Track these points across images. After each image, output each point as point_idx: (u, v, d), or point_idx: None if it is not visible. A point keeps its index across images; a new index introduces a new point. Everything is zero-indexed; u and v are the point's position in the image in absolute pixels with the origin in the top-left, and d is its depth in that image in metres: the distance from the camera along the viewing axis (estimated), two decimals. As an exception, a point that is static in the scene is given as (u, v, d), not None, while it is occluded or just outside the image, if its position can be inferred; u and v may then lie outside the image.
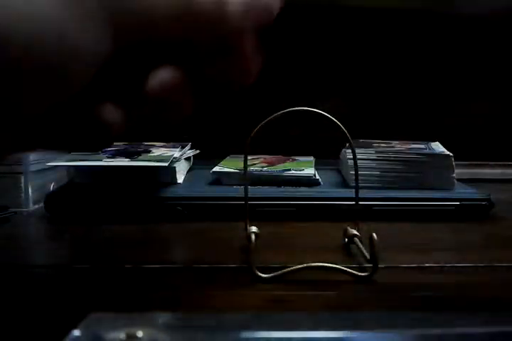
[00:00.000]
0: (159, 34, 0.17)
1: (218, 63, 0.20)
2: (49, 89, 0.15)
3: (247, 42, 0.20)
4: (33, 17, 0.13)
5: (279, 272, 0.24)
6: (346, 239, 0.29)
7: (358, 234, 0.28)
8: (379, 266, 0.24)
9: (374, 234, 0.25)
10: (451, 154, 0.41)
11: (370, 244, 0.25)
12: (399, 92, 0.63)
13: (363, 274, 0.24)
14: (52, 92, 0.15)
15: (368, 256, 0.25)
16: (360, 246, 0.27)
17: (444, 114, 0.64)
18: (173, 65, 0.19)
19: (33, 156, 0.40)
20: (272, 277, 0.24)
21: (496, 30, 0.62)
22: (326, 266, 0.24)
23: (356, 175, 0.29)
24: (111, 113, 0.19)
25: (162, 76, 0.19)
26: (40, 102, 0.15)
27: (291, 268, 0.24)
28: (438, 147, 0.44)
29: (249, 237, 0.25)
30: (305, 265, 0.24)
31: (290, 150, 0.51)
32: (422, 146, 0.45)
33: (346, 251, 0.29)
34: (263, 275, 0.24)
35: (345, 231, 0.29)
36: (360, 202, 0.29)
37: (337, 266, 0.24)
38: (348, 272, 0.24)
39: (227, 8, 0.17)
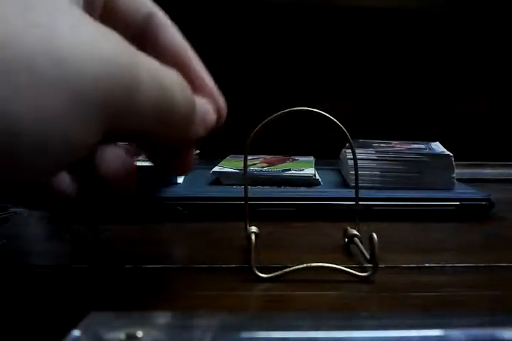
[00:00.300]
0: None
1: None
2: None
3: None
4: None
5: (279, 272, 0.24)
6: (346, 239, 0.29)
7: (358, 234, 0.28)
8: (379, 266, 0.24)
9: (374, 234, 0.25)
10: (451, 154, 0.41)
11: (370, 244, 0.25)
12: (399, 92, 0.63)
13: (363, 274, 0.24)
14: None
15: (368, 256, 0.26)
16: (360, 246, 0.27)
17: (444, 114, 0.64)
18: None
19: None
20: (271, 277, 0.24)
21: (496, 31, 0.62)
22: (326, 266, 0.24)
23: (356, 175, 0.29)
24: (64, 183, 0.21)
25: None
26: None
27: (291, 268, 0.24)
28: (438, 147, 0.44)
29: (249, 237, 0.25)
30: (305, 265, 0.24)
31: (290, 150, 0.51)
32: (422, 146, 0.45)
33: (346, 251, 0.29)
34: (263, 275, 0.24)
35: (345, 231, 0.29)
36: (360, 202, 0.29)
37: (337, 266, 0.24)
38: (348, 272, 0.24)
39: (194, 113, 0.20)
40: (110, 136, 0.17)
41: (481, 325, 0.16)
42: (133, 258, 0.28)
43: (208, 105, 0.22)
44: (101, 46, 0.15)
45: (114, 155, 0.21)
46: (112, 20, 0.21)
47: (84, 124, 0.15)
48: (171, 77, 0.18)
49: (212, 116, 0.22)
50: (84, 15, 0.16)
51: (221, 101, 0.23)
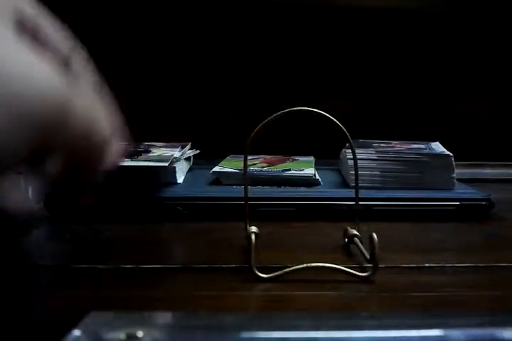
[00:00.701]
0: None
1: None
2: None
3: None
4: None
5: (279, 272, 0.24)
6: (346, 239, 0.29)
7: (358, 234, 0.28)
8: (379, 266, 0.24)
9: (374, 234, 0.25)
10: (451, 154, 0.41)
11: (370, 244, 0.25)
12: (399, 92, 0.63)
13: (363, 274, 0.24)
14: None
15: (368, 256, 0.26)
16: (360, 246, 0.27)
17: (444, 114, 0.64)
18: None
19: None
20: (271, 277, 0.24)
21: (496, 31, 0.62)
22: (326, 266, 0.24)
23: (356, 175, 0.29)
24: None
25: None
26: None
27: (291, 268, 0.24)
28: (438, 147, 0.44)
29: (249, 237, 0.25)
30: (305, 265, 0.24)
31: (290, 150, 0.51)
32: (422, 146, 0.45)
33: (346, 251, 0.29)
34: (263, 275, 0.24)
35: (345, 231, 0.29)
36: (360, 202, 0.29)
37: (337, 266, 0.24)
38: (348, 272, 0.24)
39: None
40: (38, 154, 0.19)
41: (480, 325, 0.16)
42: (133, 258, 0.28)
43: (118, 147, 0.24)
44: (43, 81, 0.18)
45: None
46: None
47: (18, 136, 0.17)
48: (97, 108, 0.21)
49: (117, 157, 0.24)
50: (28, 50, 0.18)
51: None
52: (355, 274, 0.24)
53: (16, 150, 0.17)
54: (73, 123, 0.19)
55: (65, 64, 0.21)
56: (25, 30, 0.20)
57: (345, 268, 0.24)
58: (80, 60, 0.23)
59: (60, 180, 0.23)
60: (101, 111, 0.23)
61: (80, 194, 0.25)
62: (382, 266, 0.25)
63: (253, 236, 0.25)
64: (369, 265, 0.25)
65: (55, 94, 0.18)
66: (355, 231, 0.28)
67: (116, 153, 0.24)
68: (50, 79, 0.18)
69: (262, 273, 0.24)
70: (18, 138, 0.17)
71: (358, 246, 0.28)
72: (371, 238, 0.25)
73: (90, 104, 0.22)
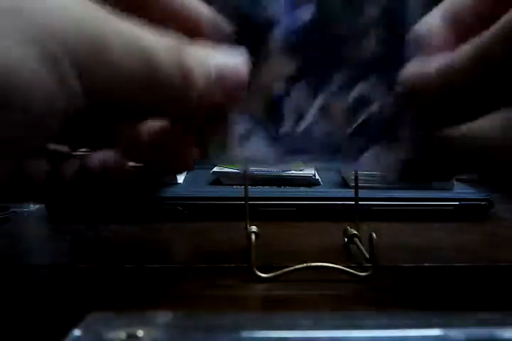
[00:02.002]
0: (126, 99, 0.18)
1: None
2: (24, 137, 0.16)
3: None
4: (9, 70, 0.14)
5: (279, 272, 0.24)
6: (346, 239, 0.29)
7: (357, 233, 0.28)
8: (379, 265, 0.24)
9: (373, 234, 0.25)
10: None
11: (370, 244, 0.25)
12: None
13: (362, 274, 0.24)
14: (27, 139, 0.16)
15: (368, 256, 0.26)
16: (360, 246, 0.27)
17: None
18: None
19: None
20: (272, 277, 0.24)
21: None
22: (326, 266, 0.24)
23: (356, 175, 0.29)
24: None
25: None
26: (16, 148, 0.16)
27: (291, 268, 0.24)
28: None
29: (249, 237, 0.25)
30: (305, 265, 0.24)
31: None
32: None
33: (346, 251, 0.29)
34: (263, 275, 0.24)
35: (345, 231, 0.29)
36: (360, 202, 0.29)
37: (337, 266, 0.24)
38: (348, 272, 0.24)
39: (193, 78, 0.18)
40: (94, 105, 0.17)
41: (480, 325, 0.16)
42: (133, 258, 0.28)
43: (237, 59, 0.20)
44: (69, 7, 0.16)
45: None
46: None
47: (57, 79, 0.15)
48: (151, 40, 0.18)
49: (240, 78, 0.20)
50: None
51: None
52: (354, 274, 0.24)
53: None
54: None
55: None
56: None
57: (345, 268, 0.24)
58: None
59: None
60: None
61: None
62: (382, 265, 0.25)
63: (253, 236, 0.25)
64: (369, 265, 0.25)
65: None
66: (354, 231, 0.28)
67: None
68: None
69: (262, 272, 0.24)
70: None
71: (357, 245, 0.28)
72: (370, 238, 0.25)
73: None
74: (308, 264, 0.24)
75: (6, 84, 0.14)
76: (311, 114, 0.23)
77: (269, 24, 0.22)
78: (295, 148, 0.23)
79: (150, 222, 0.36)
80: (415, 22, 0.22)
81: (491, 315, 0.17)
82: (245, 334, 0.16)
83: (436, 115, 0.21)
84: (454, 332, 0.16)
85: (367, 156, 0.23)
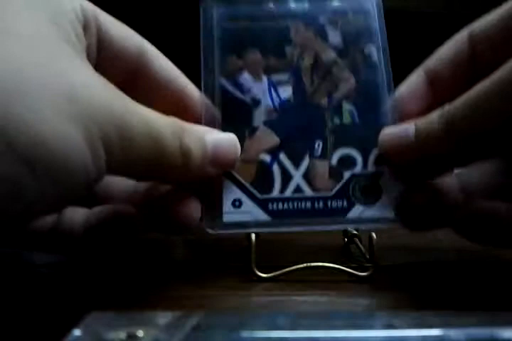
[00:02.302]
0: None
1: None
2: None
3: None
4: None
5: (279, 272, 0.24)
6: (346, 239, 0.29)
7: (357, 233, 0.28)
8: (379, 265, 0.24)
9: (373, 234, 0.25)
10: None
11: (369, 243, 0.25)
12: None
13: (362, 274, 0.24)
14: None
15: (368, 256, 0.26)
16: (360, 246, 0.27)
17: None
18: None
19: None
20: (272, 277, 0.24)
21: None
22: (326, 266, 0.24)
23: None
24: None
25: None
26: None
27: (291, 268, 0.24)
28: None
29: (249, 237, 0.25)
30: (305, 265, 0.24)
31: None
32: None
33: (346, 250, 0.29)
34: (263, 274, 0.24)
35: (345, 231, 0.29)
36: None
37: (337, 266, 0.24)
38: (348, 272, 0.24)
39: (191, 156, 0.21)
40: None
41: (480, 325, 0.16)
42: (133, 258, 0.28)
43: (229, 140, 0.24)
44: (101, 94, 0.18)
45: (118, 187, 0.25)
46: (108, 60, 0.22)
47: (93, 156, 0.17)
48: (160, 122, 0.20)
49: (232, 153, 0.24)
50: (94, 73, 0.19)
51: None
52: (354, 274, 0.24)
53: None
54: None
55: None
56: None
57: (345, 268, 0.24)
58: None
59: None
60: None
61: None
62: (382, 265, 0.25)
63: (253, 236, 0.25)
64: (369, 265, 0.25)
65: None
66: (354, 231, 0.28)
67: None
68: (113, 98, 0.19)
69: (262, 272, 0.24)
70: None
71: (358, 246, 0.28)
72: (370, 238, 0.25)
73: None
74: (308, 264, 0.24)
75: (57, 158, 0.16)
76: (297, 178, 0.25)
77: (253, 104, 0.26)
78: (285, 210, 0.25)
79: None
80: (388, 93, 0.27)
81: (491, 315, 0.17)
82: (245, 334, 0.16)
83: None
84: (454, 332, 0.16)
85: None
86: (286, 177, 0.25)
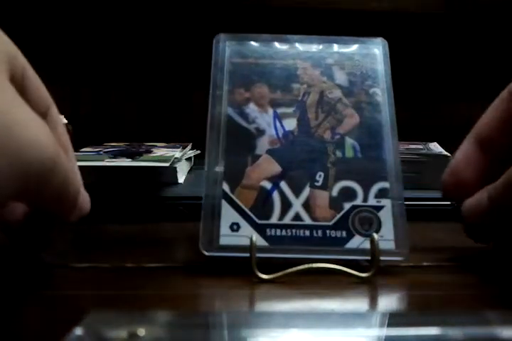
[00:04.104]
0: None
1: None
2: None
3: None
4: None
5: (280, 273, 0.24)
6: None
7: None
8: (379, 265, 0.24)
9: (374, 235, 0.25)
10: (449, 154, 0.41)
11: (371, 245, 0.25)
12: (398, 93, 0.63)
13: (363, 275, 0.24)
14: None
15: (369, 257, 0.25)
16: None
17: (442, 115, 0.64)
18: None
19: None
20: (272, 278, 0.24)
21: (495, 32, 0.62)
22: (328, 267, 0.24)
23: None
24: None
25: None
26: None
27: (293, 269, 0.24)
28: (436, 147, 0.44)
29: (251, 238, 0.25)
30: (306, 266, 0.24)
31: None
32: (420, 147, 0.45)
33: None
34: (264, 276, 0.24)
35: None
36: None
37: (339, 267, 0.24)
38: (349, 273, 0.24)
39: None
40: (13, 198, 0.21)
41: (480, 324, 0.16)
42: (134, 258, 0.28)
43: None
44: (41, 141, 0.19)
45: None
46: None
47: (10, 177, 0.18)
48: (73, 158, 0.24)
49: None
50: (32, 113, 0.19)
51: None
52: (355, 275, 0.24)
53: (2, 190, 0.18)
54: (58, 173, 0.20)
55: (44, 116, 0.23)
56: (16, 80, 0.21)
57: (346, 269, 0.24)
58: (55, 112, 0.25)
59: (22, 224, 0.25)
60: (75, 161, 0.25)
61: (43, 235, 0.26)
62: (383, 266, 0.25)
63: (254, 237, 0.25)
64: (370, 265, 0.25)
65: (50, 148, 0.19)
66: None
67: (85, 202, 0.26)
68: (45, 133, 0.19)
69: (264, 273, 0.24)
70: (10, 178, 0.18)
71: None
72: (372, 239, 0.25)
73: (69, 155, 0.24)
74: (310, 265, 0.24)
75: None
76: (296, 206, 0.26)
77: (258, 133, 0.27)
78: (283, 237, 0.25)
79: (151, 221, 0.36)
80: (391, 131, 0.27)
81: (491, 315, 0.17)
82: (245, 334, 0.16)
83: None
84: (453, 332, 0.16)
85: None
86: (286, 204, 0.26)
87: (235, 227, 0.25)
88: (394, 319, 0.18)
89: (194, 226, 0.35)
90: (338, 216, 0.26)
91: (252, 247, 0.25)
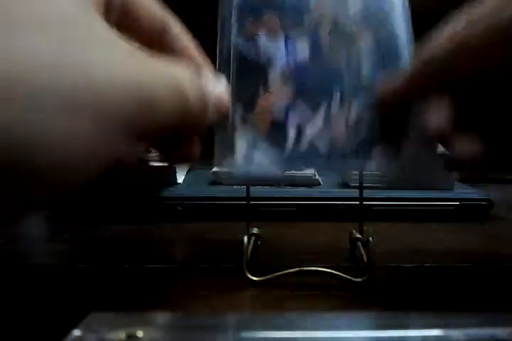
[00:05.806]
0: None
1: None
2: None
3: None
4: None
5: (270, 276, 0.24)
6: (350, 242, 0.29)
7: (360, 237, 0.28)
8: (379, 265, 0.24)
9: (371, 238, 0.24)
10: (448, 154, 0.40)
11: (366, 248, 0.24)
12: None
13: (357, 280, 0.24)
14: None
15: (365, 260, 0.25)
16: (362, 250, 0.27)
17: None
18: None
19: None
20: (263, 280, 0.24)
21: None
22: (319, 271, 0.24)
23: (361, 175, 0.29)
24: None
25: None
26: None
27: (284, 272, 0.24)
28: (437, 147, 0.44)
29: (242, 240, 0.25)
30: (298, 269, 0.24)
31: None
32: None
33: (351, 254, 0.29)
34: (255, 278, 0.24)
35: (350, 234, 0.29)
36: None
37: (330, 271, 0.24)
38: (341, 277, 0.24)
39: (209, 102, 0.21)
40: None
41: (480, 325, 0.16)
42: (133, 258, 0.28)
43: (223, 93, 0.23)
44: (127, 73, 0.16)
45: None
46: (129, 26, 0.21)
47: (106, 141, 0.16)
48: (179, 72, 0.19)
49: (224, 102, 0.23)
50: (115, 41, 0.17)
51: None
52: (349, 279, 0.24)
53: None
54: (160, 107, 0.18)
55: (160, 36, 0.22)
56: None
57: (338, 273, 0.24)
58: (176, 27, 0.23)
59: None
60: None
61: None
62: (382, 266, 0.25)
63: (245, 239, 0.25)
64: (366, 269, 0.25)
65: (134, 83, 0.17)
66: (358, 235, 0.28)
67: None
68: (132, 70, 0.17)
69: (259, 274, 0.24)
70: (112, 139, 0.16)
71: (359, 249, 0.27)
72: (367, 242, 0.24)
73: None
74: (301, 268, 0.24)
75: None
76: (312, 132, 0.25)
77: (269, 63, 0.26)
78: (299, 160, 0.25)
79: (150, 222, 0.36)
80: (406, 52, 0.27)
81: (491, 315, 0.17)
82: (245, 334, 0.16)
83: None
84: (454, 332, 0.16)
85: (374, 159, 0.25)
86: (300, 131, 0.25)
87: (249, 156, 0.25)
88: (393, 320, 0.18)
89: (193, 227, 0.35)
90: (355, 138, 0.25)
91: (243, 249, 0.24)
